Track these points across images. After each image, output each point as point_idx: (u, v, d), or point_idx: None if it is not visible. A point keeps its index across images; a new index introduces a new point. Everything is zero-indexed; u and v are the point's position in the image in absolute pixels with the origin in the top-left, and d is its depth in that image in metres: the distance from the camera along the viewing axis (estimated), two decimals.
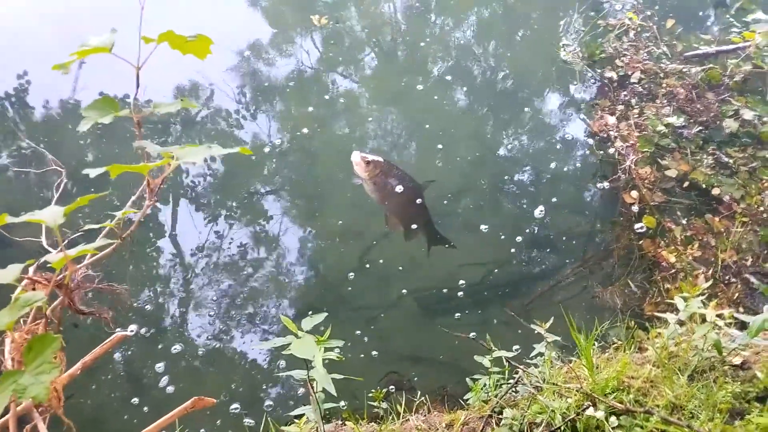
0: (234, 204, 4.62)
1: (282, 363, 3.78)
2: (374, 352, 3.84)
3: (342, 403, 3.15)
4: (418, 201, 4.19)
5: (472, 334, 3.12)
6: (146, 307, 3.93)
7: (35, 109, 5.19)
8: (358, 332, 3.91)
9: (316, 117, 5.06)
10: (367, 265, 4.24)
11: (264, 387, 3.74)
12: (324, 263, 4.39)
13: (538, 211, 4.40)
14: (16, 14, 5.88)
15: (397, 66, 5.60)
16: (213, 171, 4.85)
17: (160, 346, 3.77)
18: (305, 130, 4.90)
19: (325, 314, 2.30)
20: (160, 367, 3.65)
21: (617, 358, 2.91)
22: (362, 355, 3.80)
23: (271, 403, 3.64)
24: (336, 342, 2.28)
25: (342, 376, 2.52)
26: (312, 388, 2.35)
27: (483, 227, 4.32)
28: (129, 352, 3.77)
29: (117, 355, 3.74)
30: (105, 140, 4.82)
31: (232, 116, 5.16)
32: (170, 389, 3.59)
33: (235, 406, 3.55)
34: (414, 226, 4.22)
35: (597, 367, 2.70)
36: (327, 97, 5.25)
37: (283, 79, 5.42)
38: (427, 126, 4.95)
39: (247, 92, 5.33)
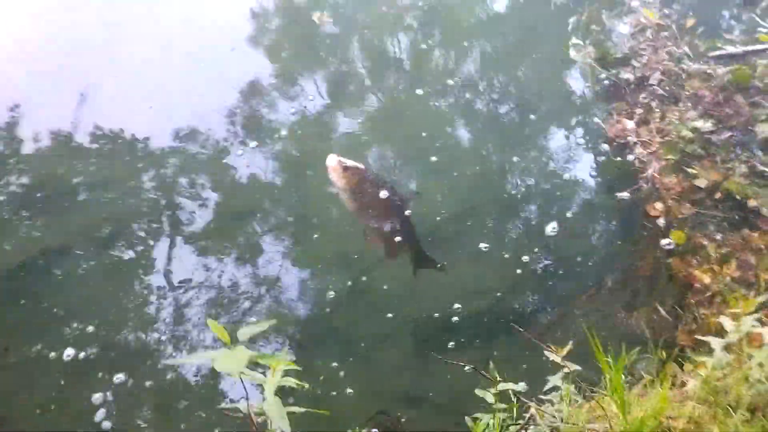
0: (212, 222, 4.08)
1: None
2: (357, 389, 3.27)
3: None
4: (402, 215, 3.64)
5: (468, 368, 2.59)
6: (87, 329, 3.36)
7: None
8: (343, 366, 3.36)
9: (305, 121, 4.57)
10: (357, 291, 3.70)
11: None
12: (310, 288, 3.84)
13: (550, 228, 3.87)
14: None
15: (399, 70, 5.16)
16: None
17: (99, 375, 3.19)
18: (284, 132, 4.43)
19: (272, 321, 1.76)
20: (97, 398, 3.08)
21: (650, 394, 2.36)
22: (350, 391, 3.28)
23: None
24: (288, 357, 1.71)
25: (303, 410, 1.93)
26: (254, 424, 1.76)
27: (483, 246, 3.78)
28: (62, 381, 3.20)
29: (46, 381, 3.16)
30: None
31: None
32: (107, 425, 3.04)
33: None
34: (397, 241, 3.67)
35: (627, 405, 2.15)
36: (316, 100, 4.79)
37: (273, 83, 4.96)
38: (424, 134, 4.46)
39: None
